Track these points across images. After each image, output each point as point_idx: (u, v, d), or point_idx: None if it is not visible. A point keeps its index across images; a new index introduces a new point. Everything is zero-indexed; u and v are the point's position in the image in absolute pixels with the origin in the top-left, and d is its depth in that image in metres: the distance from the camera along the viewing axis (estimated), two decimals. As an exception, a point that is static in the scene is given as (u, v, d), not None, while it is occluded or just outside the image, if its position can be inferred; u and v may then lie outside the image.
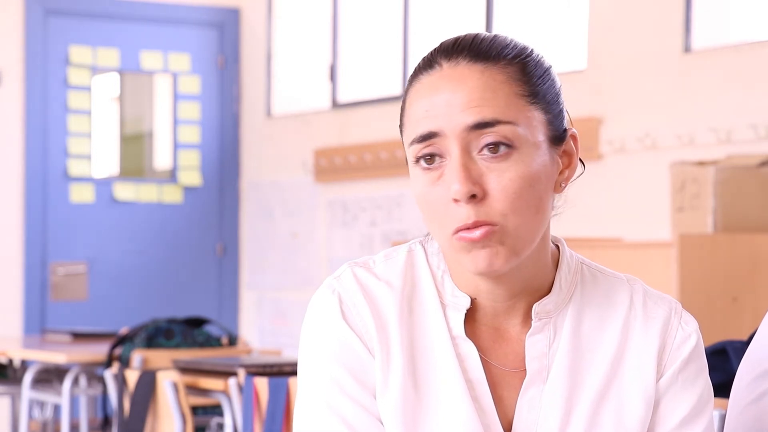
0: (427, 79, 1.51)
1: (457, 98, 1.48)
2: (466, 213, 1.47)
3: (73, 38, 7.54)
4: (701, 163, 4.46)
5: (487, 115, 1.47)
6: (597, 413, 1.55)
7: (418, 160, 1.50)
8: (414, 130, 1.50)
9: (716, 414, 2.58)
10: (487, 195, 1.47)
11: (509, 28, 6.25)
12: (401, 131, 1.55)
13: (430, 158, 1.49)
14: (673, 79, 5.44)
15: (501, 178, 1.47)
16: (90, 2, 7.61)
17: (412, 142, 1.50)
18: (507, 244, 1.48)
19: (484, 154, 1.48)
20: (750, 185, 4.36)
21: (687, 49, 5.40)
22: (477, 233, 1.46)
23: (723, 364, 2.63)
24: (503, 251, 1.48)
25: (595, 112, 5.73)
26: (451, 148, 1.48)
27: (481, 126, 1.47)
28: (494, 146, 1.47)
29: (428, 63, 1.52)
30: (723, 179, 4.31)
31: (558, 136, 1.53)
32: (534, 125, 1.50)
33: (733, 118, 5.17)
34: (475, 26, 6.37)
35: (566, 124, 1.56)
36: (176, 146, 7.85)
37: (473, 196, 1.46)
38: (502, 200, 1.47)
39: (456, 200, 1.47)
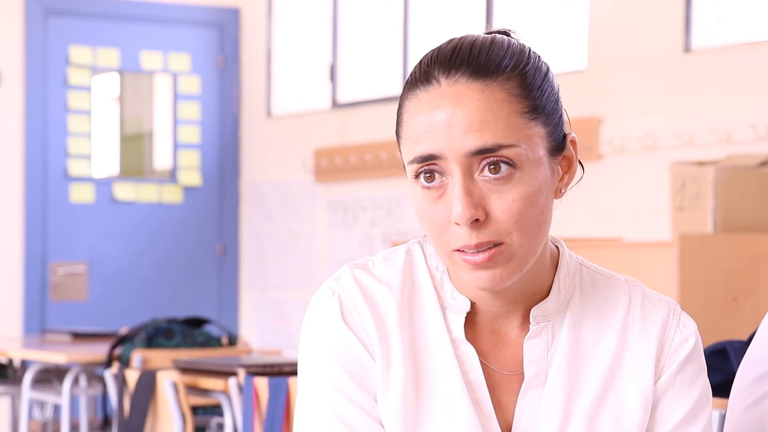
0: (425, 96, 1.49)
1: (458, 119, 1.46)
2: (468, 236, 1.46)
3: (73, 38, 7.54)
4: (701, 163, 4.46)
5: (488, 140, 1.45)
6: (596, 416, 1.54)
7: (417, 177, 1.50)
8: (414, 149, 1.49)
9: (717, 414, 2.58)
10: (490, 217, 1.46)
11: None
12: (398, 140, 1.54)
13: (429, 176, 1.48)
14: (673, 79, 5.44)
15: (503, 200, 1.46)
16: (90, 2, 7.61)
17: (412, 161, 1.49)
18: (511, 262, 1.47)
19: (486, 175, 1.46)
20: (750, 185, 4.36)
21: (687, 49, 5.40)
22: (481, 257, 1.46)
23: (723, 364, 2.63)
24: (507, 270, 1.47)
25: (595, 112, 5.73)
26: (453, 170, 1.46)
27: (483, 152, 1.46)
28: (495, 166, 1.46)
29: (425, 77, 1.49)
30: (723, 179, 4.31)
31: (558, 146, 1.52)
32: (535, 142, 1.48)
33: (733, 118, 5.17)
34: (474, 26, 6.36)
35: (565, 128, 1.54)
36: (176, 146, 7.85)
37: (476, 220, 1.46)
38: (505, 221, 1.46)
39: (458, 223, 1.46)
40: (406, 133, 1.51)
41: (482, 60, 1.48)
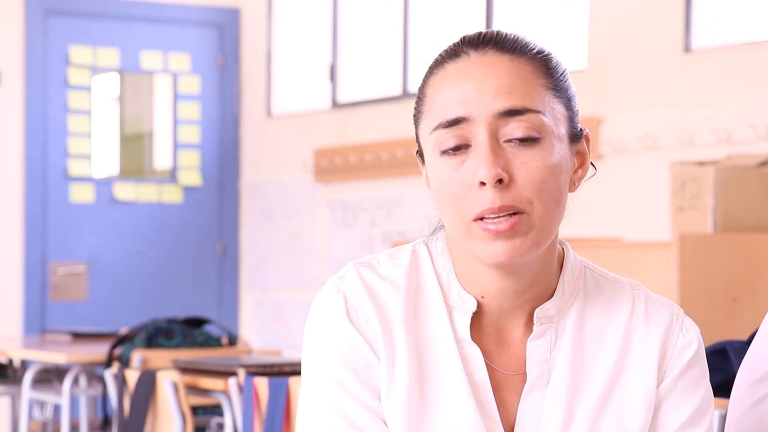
0: (454, 67, 1.52)
1: (488, 85, 1.49)
2: (491, 197, 1.47)
3: (73, 38, 7.54)
4: (701, 163, 4.46)
5: (517, 102, 1.48)
6: (598, 418, 1.55)
7: (441, 149, 1.50)
8: (440, 116, 1.51)
9: (717, 414, 2.58)
10: (513, 181, 1.47)
11: (509, 29, 6.24)
12: (417, 121, 1.55)
13: (455, 147, 1.49)
14: (673, 79, 5.44)
15: (527, 166, 1.48)
16: (90, 2, 7.61)
17: (437, 128, 1.50)
18: (531, 234, 1.48)
19: (512, 141, 1.48)
20: (750, 185, 4.36)
21: (687, 49, 5.40)
22: (503, 225, 1.47)
23: (723, 364, 2.63)
24: (526, 242, 1.48)
25: (595, 112, 5.73)
26: (479, 133, 1.48)
27: (512, 113, 1.48)
28: (522, 132, 1.48)
29: (454, 52, 1.53)
30: (723, 179, 4.31)
31: (575, 134, 1.56)
32: (558, 118, 1.52)
33: (733, 118, 5.17)
34: (475, 26, 6.36)
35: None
36: (176, 146, 7.85)
37: (500, 181, 1.47)
38: (528, 187, 1.47)
39: (482, 183, 1.47)
40: (430, 106, 1.53)
41: (510, 40, 1.54)
